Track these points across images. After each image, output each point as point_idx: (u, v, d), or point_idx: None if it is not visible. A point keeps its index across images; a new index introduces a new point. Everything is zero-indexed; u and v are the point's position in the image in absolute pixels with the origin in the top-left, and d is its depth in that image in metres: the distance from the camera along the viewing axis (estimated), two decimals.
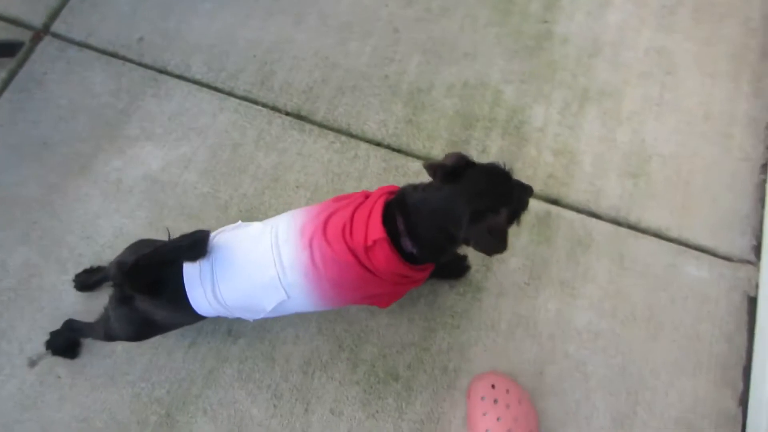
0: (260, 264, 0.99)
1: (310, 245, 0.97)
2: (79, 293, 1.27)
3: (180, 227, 1.31)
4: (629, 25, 1.60)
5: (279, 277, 0.98)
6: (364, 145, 1.44)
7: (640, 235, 1.38)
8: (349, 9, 1.58)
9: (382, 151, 1.43)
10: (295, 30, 1.55)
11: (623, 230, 1.38)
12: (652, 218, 1.40)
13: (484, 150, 1.44)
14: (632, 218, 1.40)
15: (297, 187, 1.40)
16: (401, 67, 1.53)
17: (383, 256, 0.96)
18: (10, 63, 1.47)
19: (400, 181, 1.38)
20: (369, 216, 0.97)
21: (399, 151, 1.43)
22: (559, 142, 1.45)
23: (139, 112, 1.44)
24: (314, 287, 0.99)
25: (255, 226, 1.05)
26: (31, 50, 1.49)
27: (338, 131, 1.46)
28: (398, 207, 0.99)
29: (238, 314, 1.06)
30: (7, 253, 1.31)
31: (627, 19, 1.60)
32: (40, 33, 1.51)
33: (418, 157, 1.42)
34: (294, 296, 1.00)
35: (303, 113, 1.47)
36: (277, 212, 1.10)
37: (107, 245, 1.32)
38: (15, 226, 1.34)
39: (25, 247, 1.32)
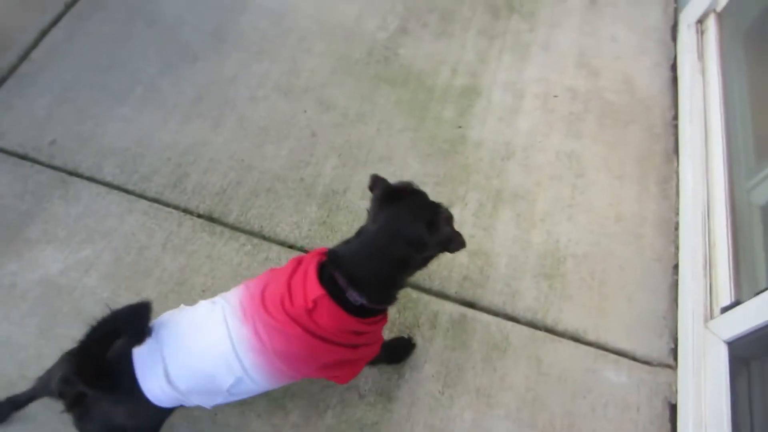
0: (212, 340, 0.94)
1: (252, 319, 0.93)
2: None
3: (73, 334, 1.23)
4: (539, 130, 1.66)
5: (233, 352, 0.92)
6: (276, 248, 1.41)
7: (557, 338, 1.34)
8: (267, 114, 1.61)
9: (295, 253, 1.40)
10: (212, 133, 1.56)
11: (540, 333, 1.35)
12: (569, 320, 1.37)
13: None
14: (549, 321, 1.36)
15: (203, 291, 1.34)
16: (317, 169, 1.54)
17: (327, 314, 0.92)
18: None
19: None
20: (305, 279, 0.95)
21: None
22: (473, 243, 1.44)
23: (43, 214, 1.39)
24: (264, 362, 0.94)
25: (202, 304, 1.00)
26: None
27: (250, 233, 1.43)
28: (333, 264, 0.97)
29: (195, 400, 0.96)
30: None
31: (537, 125, 1.67)
32: None
33: None
34: (249, 373, 0.94)
35: (215, 215, 1.44)
36: None
37: None
38: None
39: None
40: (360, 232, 1.00)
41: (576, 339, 1.34)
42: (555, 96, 1.73)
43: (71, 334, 1.23)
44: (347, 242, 1.01)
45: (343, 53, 1.76)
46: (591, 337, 1.34)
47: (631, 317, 1.38)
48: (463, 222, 1.47)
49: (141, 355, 0.93)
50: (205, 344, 0.94)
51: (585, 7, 1.95)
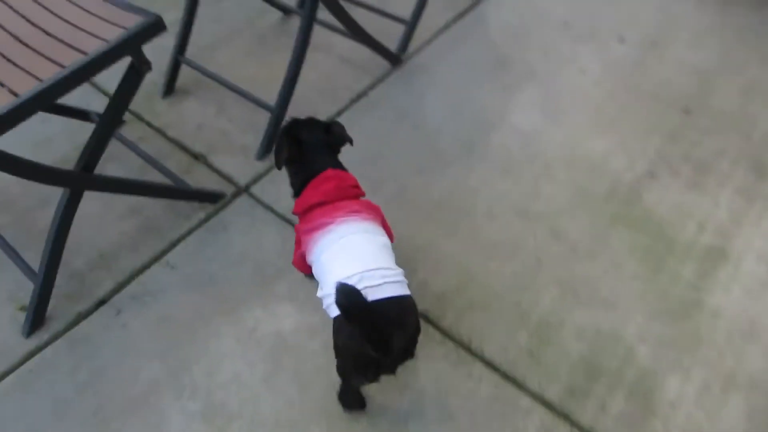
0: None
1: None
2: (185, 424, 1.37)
3: (288, 393, 1.40)
4: None
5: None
6: (479, 365, 1.44)
7: None
8: (499, 231, 1.69)
9: (496, 376, 1.42)
10: (445, 238, 1.68)
11: None
12: None
13: (603, 407, 1.35)
14: None
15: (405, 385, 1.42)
16: (535, 297, 1.56)
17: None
18: (209, 208, 1.78)
19: (507, 413, 1.35)
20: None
21: (513, 381, 1.40)
22: (692, 424, 1.32)
23: (291, 275, 1.62)
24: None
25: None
26: (229, 202, 1.80)
27: (459, 343, 1.48)
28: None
29: None
30: (144, 363, 1.48)
31: None
32: (241, 190, 1.83)
33: (530, 395, 1.38)
34: None
35: (430, 316, 1.53)
36: None
37: (221, 386, 1.43)
38: (159, 341, 1.52)
39: (159, 363, 1.48)
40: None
41: None
42: None
43: (287, 391, 1.41)
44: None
45: (584, 186, 1.79)
46: None
47: None
48: (681, 396, 1.36)
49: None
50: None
51: None
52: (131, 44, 1.37)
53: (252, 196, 1.82)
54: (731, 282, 1.57)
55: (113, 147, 1.98)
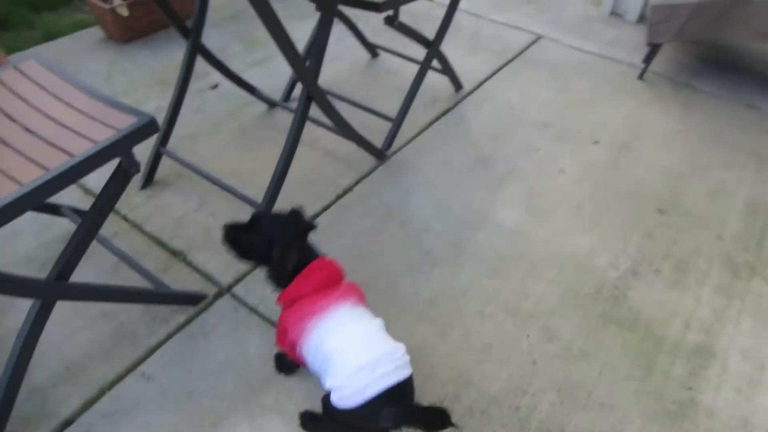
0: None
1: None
2: None
3: None
4: None
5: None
6: None
7: None
8: (491, 332, 1.67)
9: None
10: (438, 340, 1.64)
11: None
12: None
13: None
14: None
15: None
16: (534, 401, 1.51)
17: None
18: (189, 310, 1.69)
19: None
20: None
21: None
22: None
23: (279, 384, 1.53)
24: None
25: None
26: (210, 304, 1.71)
27: None
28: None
29: None
30: None
31: None
32: (223, 291, 1.75)
33: None
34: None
35: None
36: None
37: None
38: None
39: None
40: None
41: None
42: None
43: None
44: None
45: (572, 285, 1.81)
46: None
47: None
48: None
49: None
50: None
51: None
52: (122, 146, 1.33)
53: (235, 296, 1.74)
54: (721, 381, 1.58)
55: None
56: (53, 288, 1.35)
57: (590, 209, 2.08)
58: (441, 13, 2.31)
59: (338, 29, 1.87)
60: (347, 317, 1.26)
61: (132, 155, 1.38)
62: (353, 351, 1.20)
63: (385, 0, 1.94)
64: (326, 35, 1.81)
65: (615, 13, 3.42)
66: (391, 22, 2.22)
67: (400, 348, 1.22)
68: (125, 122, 1.35)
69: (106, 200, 1.37)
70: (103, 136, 1.32)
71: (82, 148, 1.28)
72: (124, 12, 2.81)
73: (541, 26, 3.27)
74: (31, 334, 1.35)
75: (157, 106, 2.48)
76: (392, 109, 2.37)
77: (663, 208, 2.08)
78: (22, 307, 1.60)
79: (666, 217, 2.05)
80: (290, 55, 1.73)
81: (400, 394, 1.16)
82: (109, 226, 1.92)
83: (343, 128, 2.07)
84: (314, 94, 1.86)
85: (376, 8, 1.95)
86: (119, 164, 1.36)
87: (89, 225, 1.37)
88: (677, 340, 1.67)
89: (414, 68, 2.45)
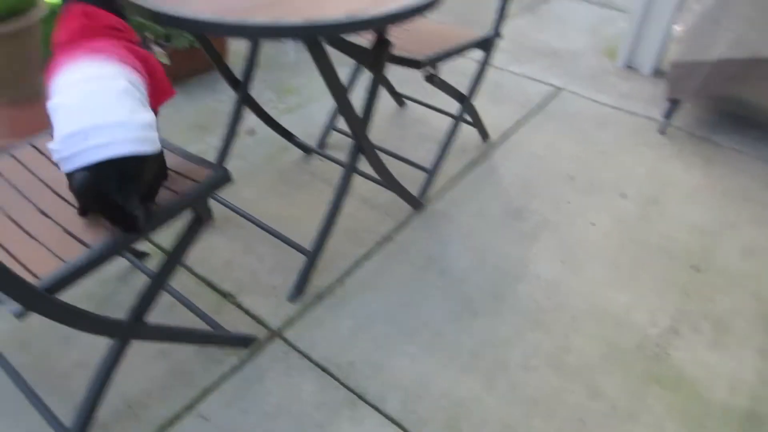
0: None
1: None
2: None
3: None
4: None
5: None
6: None
7: None
8: (537, 385, 1.70)
9: None
10: (485, 392, 1.67)
11: None
12: None
13: None
14: None
15: None
16: None
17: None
18: (242, 352, 1.73)
19: None
20: None
21: None
22: None
23: (332, 428, 1.56)
24: None
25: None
26: (261, 347, 1.76)
27: None
28: None
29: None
30: None
31: None
32: (274, 334, 1.80)
33: None
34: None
35: None
36: None
37: None
38: None
39: None
40: None
41: None
42: None
43: None
44: None
45: (613, 340, 1.85)
46: None
47: None
48: None
49: None
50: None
51: None
52: (201, 197, 1.41)
53: (285, 340, 1.78)
54: None
55: (138, 281, 1.95)
56: (131, 329, 1.41)
57: (625, 263, 2.13)
58: (464, 65, 2.41)
59: (366, 79, 1.97)
60: (83, 76, 1.14)
61: (207, 205, 1.46)
62: (71, 115, 1.10)
63: (426, 58, 2.06)
64: (377, 92, 1.91)
65: (629, 67, 3.54)
66: (431, 79, 2.32)
67: (135, 120, 1.14)
68: (203, 175, 1.44)
69: (182, 247, 1.44)
70: (185, 188, 1.40)
71: (164, 199, 1.37)
72: (166, 60, 2.93)
73: (559, 78, 3.38)
74: (106, 374, 1.42)
75: (197, 150, 2.56)
76: (422, 157, 2.46)
77: (697, 265, 2.14)
78: (81, 341, 1.65)
79: (701, 274, 2.10)
80: (346, 110, 1.82)
81: (123, 171, 1.11)
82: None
83: (387, 179, 2.15)
84: (365, 146, 1.95)
85: (417, 65, 2.07)
86: (195, 215, 1.43)
87: (168, 270, 1.44)
88: (724, 404, 1.68)
89: (439, 117, 2.54)
